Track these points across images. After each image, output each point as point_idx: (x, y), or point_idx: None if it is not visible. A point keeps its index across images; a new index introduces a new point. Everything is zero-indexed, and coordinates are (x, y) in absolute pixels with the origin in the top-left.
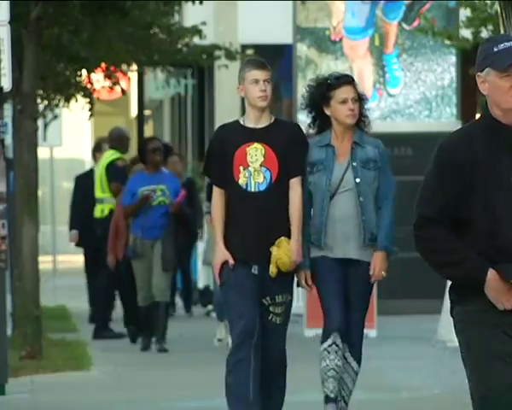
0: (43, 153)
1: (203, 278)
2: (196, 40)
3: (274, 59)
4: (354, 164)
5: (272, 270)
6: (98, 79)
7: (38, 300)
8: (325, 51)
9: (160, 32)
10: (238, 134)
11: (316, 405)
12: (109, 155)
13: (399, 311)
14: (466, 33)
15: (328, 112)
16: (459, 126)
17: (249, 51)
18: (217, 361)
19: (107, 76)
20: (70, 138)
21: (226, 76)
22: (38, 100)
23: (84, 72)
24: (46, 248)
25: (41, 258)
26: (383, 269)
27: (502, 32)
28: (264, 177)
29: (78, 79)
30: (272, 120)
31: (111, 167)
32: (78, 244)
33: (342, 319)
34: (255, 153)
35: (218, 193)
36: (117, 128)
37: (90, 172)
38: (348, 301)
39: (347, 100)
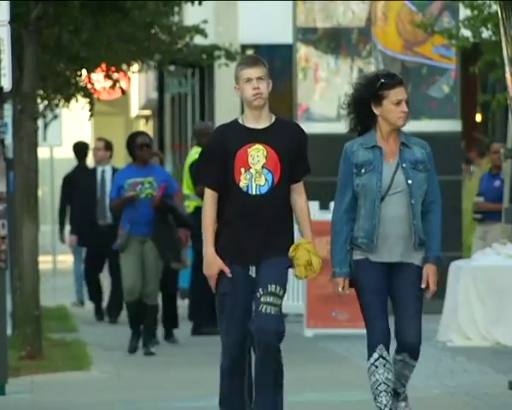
0: (43, 153)
1: None
2: (197, 40)
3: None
4: (404, 165)
5: (299, 273)
6: (98, 79)
7: (38, 300)
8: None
9: (160, 32)
10: (238, 135)
11: (316, 405)
12: (194, 152)
13: None
14: (466, 32)
15: (377, 111)
16: (459, 126)
17: (249, 51)
18: (217, 361)
19: (107, 76)
20: (70, 138)
21: (226, 76)
22: (38, 100)
23: (84, 72)
24: (46, 249)
25: (41, 258)
26: (436, 280)
27: (502, 32)
28: (266, 179)
29: (78, 79)
30: (273, 120)
31: (195, 167)
32: (79, 244)
33: (387, 330)
34: (257, 154)
35: (211, 197)
36: (201, 123)
37: (81, 170)
38: (398, 305)
39: (401, 102)
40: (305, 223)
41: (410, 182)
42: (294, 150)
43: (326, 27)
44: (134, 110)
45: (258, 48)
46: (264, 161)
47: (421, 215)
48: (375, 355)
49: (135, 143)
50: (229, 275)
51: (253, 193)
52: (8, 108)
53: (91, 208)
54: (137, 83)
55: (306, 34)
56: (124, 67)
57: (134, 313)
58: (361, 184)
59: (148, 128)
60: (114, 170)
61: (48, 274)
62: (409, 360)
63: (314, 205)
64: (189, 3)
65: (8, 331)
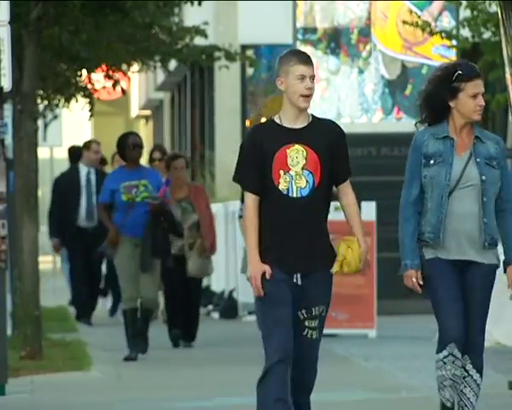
0: (43, 153)
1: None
2: (198, 40)
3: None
4: (478, 160)
5: (336, 268)
6: (98, 80)
7: (38, 300)
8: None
9: (160, 32)
10: (277, 135)
11: (316, 405)
12: None
13: (399, 311)
14: (465, 33)
15: (452, 104)
16: None
17: (249, 51)
18: (217, 361)
19: (108, 76)
20: (70, 138)
21: (226, 76)
22: (38, 100)
23: (84, 72)
24: (46, 249)
25: (41, 258)
26: None
27: (502, 32)
28: (307, 181)
29: (78, 79)
30: (311, 119)
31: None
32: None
33: (460, 328)
34: (296, 155)
35: (252, 200)
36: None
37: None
38: (466, 308)
39: (478, 95)
40: (355, 224)
41: (484, 178)
42: (334, 150)
43: (326, 27)
44: (134, 110)
45: (258, 48)
46: (304, 162)
47: (495, 214)
48: (445, 352)
49: (126, 143)
50: (272, 277)
51: (294, 196)
52: (8, 108)
53: (74, 210)
54: (137, 83)
55: (306, 34)
56: (124, 67)
57: (131, 321)
58: (429, 175)
59: (148, 128)
60: (98, 171)
61: (48, 274)
62: (471, 369)
63: None
64: (189, 4)
65: (8, 331)
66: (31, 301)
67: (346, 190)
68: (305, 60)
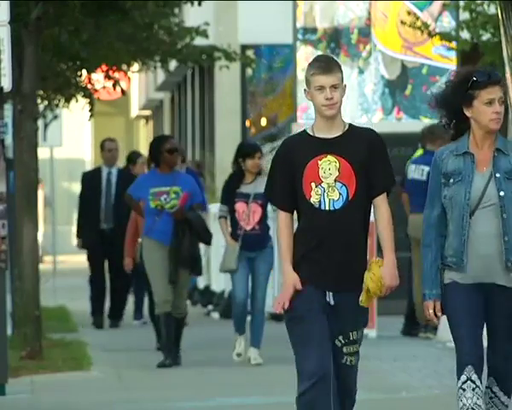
0: (43, 153)
1: (203, 278)
2: (198, 40)
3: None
4: (497, 175)
5: (361, 299)
6: (98, 80)
7: (38, 300)
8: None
9: (160, 32)
10: (307, 146)
11: None
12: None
13: (399, 311)
14: (465, 34)
15: (468, 113)
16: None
17: (249, 51)
18: (217, 362)
19: (108, 76)
20: (70, 138)
21: (226, 76)
22: (38, 100)
23: (84, 72)
24: (46, 248)
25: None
26: None
27: (502, 32)
28: (340, 193)
29: (78, 79)
30: (346, 128)
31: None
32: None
33: (476, 350)
34: (328, 167)
35: (284, 217)
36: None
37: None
38: (492, 332)
39: (494, 101)
40: (383, 241)
41: (501, 194)
42: (371, 161)
43: (326, 27)
44: (134, 110)
45: (258, 48)
46: (337, 173)
47: None
48: (463, 378)
49: (163, 147)
50: (305, 294)
51: (326, 209)
52: (8, 108)
53: (96, 211)
54: (137, 83)
55: (306, 34)
56: (124, 67)
57: (165, 326)
58: (448, 195)
59: (148, 128)
60: (119, 171)
61: (48, 274)
62: (498, 391)
63: None
64: (189, 4)
65: (8, 331)
66: (31, 301)
67: (378, 203)
68: (324, 69)
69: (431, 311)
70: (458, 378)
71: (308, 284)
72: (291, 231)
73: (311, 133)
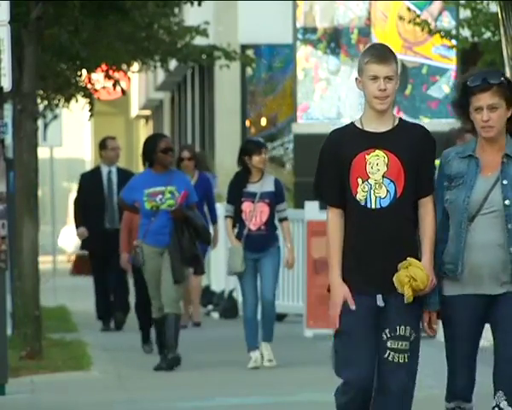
0: (43, 153)
1: (203, 278)
2: (198, 40)
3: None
4: (505, 182)
5: (408, 294)
6: (98, 79)
7: (38, 300)
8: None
9: (160, 31)
10: (355, 139)
11: (316, 405)
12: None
13: None
14: (466, 33)
15: (472, 118)
16: (459, 126)
17: (249, 51)
18: (217, 362)
19: (108, 76)
20: (70, 138)
21: (226, 76)
22: (38, 100)
23: (84, 72)
24: (46, 248)
25: (41, 258)
26: None
27: (502, 32)
28: (388, 190)
29: (78, 79)
30: (396, 122)
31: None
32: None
33: (469, 383)
34: (376, 162)
35: (334, 214)
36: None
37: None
38: (496, 343)
39: (482, 108)
40: (424, 246)
41: (507, 202)
42: (421, 158)
43: (326, 27)
44: (134, 110)
45: (258, 48)
46: (385, 169)
47: None
48: (452, 405)
49: (157, 146)
50: (353, 307)
51: (373, 207)
52: (8, 108)
53: (99, 211)
54: (137, 83)
55: (306, 34)
56: (124, 67)
57: (162, 329)
58: (450, 199)
59: (147, 128)
60: (119, 170)
61: (48, 274)
62: (506, 406)
63: (314, 205)
64: (189, 4)
65: (8, 331)
66: (31, 301)
67: (426, 204)
68: (380, 58)
69: (425, 324)
70: (447, 402)
71: (359, 293)
72: (341, 234)
73: (360, 126)
